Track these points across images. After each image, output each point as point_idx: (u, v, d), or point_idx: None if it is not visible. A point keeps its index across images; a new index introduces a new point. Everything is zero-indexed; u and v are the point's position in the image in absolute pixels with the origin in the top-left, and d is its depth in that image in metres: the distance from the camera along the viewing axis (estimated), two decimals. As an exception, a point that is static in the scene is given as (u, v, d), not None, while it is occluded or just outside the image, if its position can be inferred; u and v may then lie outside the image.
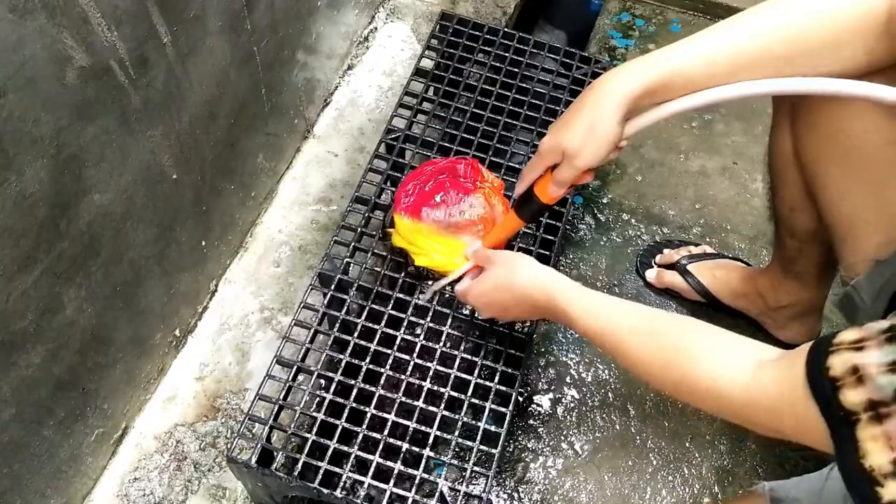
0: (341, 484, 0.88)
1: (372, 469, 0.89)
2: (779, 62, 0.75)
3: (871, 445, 0.51)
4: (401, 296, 1.01)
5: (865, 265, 0.82)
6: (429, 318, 1.00)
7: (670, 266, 1.29)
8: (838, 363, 0.54)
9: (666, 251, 1.32)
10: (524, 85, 1.24)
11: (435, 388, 0.95)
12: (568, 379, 1.23)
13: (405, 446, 0.91)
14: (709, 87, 0.77)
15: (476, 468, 0.91)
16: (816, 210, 0.94)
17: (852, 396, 0.52)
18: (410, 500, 0.88)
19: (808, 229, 1.01)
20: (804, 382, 0.56)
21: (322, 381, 0.97)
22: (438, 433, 0.93)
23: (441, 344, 0.98)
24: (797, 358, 0.58)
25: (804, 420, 0.56)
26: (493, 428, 0.94)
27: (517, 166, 1.14)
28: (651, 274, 1.31)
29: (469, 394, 0.96)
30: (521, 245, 1.06)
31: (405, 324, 1.00)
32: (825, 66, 0.74)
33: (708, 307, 1.27)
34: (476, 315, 1.00)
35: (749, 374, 0.64)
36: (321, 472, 0.88)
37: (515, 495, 1.13)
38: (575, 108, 0.80)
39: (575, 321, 0.80)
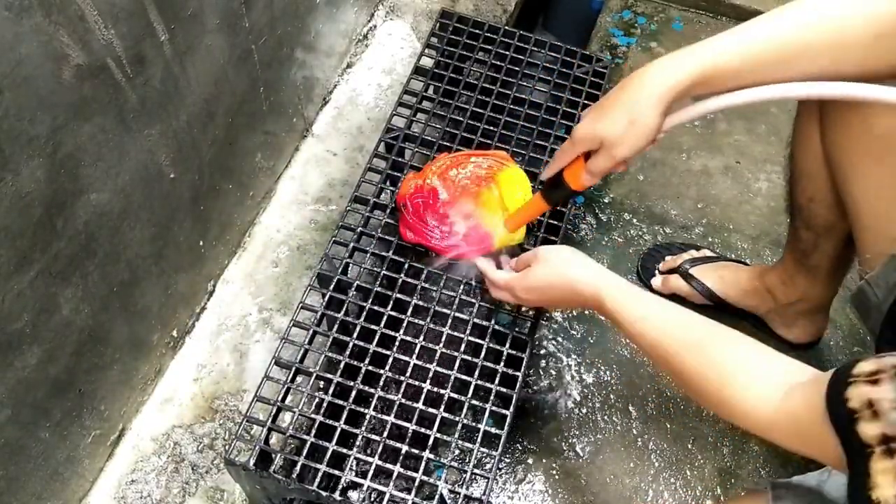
0: (340, 486, 0.87)
1: (371, 471, 0.89)
2: (823, 58, 0.74)
3: (880, 479, 0.52)
4: (400, 296, 1.01)
5: (882, 259, 0.82)
6: (429, 319, 1.00)
7: (672, 272, 1.28)
8: (855, 395, 0.55)
9: (668, 258, 1.31)
10: (525, 83, 1.23)
11: (435, 389, 0.95)
12: (569, 380, 1.23)
13: (405, 448, 0.90)
14: (754, 82, 0.76)
15: (476, 470, 0.90)
16: (836, 202, 0.94)
17: (868, 429, 0.53)
18: (410, 503, 0.87)
19: (824, 222, 1.01)
20: (824, 412, 0.58)
21: (321, 383, 0.96)
22: (438, 435, 0.92)
23: (441, 345, 0.97)
24: (821, 386, 0.59)
25: (826, 447, 0.58)
26: (493, 430, 0.93)
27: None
28: (657, 282, 1.30)
29: (469, 395, 0.95)
30: (522, 246, 1.06)
31: (405, 325, 0.99)
32: (868, 64, 0.74)
33: (714, 310, 1.26)
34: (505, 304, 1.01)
35: (779, 399, 0.65)
36: (320, 474, 0.88)
37: (516, 497, 1.12)
38: (615, 97, 0.80)
39: (625, 327, 0.82)
